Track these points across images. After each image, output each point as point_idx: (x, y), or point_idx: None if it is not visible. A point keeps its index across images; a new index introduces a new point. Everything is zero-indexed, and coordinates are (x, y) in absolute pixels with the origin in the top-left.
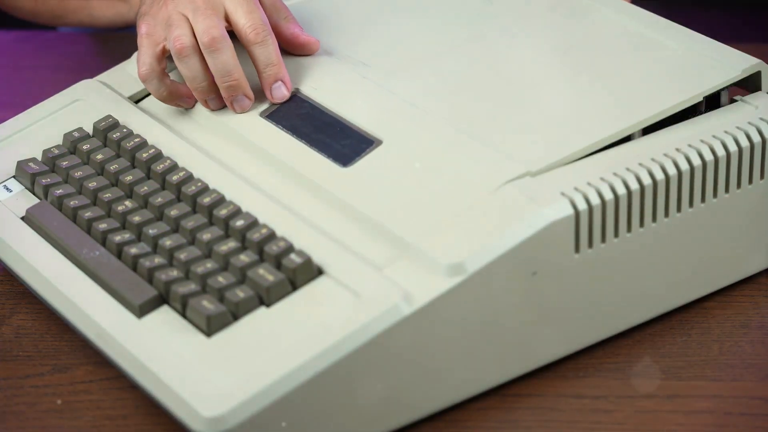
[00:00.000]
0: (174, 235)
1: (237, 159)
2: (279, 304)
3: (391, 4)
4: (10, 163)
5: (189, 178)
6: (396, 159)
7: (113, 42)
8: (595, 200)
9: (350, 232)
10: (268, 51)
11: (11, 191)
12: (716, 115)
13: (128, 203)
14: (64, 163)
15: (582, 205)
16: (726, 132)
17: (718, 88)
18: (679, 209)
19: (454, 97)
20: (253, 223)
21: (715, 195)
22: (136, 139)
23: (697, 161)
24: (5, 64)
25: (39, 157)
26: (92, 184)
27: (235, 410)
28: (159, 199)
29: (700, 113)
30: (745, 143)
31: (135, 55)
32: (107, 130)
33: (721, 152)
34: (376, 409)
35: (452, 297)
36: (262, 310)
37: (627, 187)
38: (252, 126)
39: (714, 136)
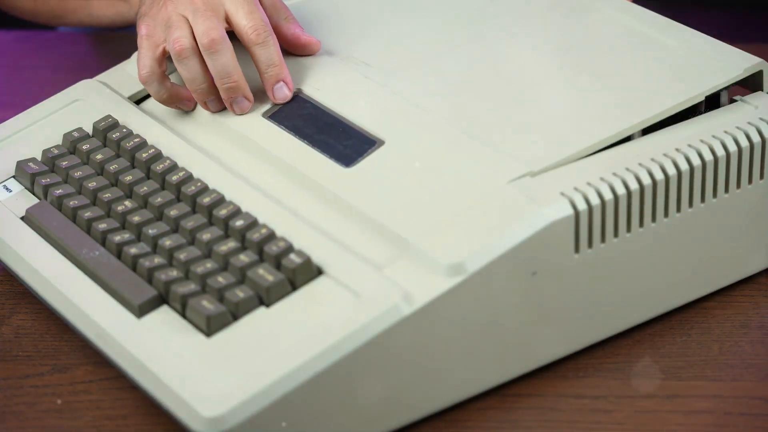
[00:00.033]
0: (174, 235)
1: (239, 159)
2: (279, 304)
3: (391, 4)
4: (10, 163)
5: (189, 178)
6: (398, 159)
7: (113, 42)
8: (595, 200)
9: (350, 232)
10: (269, 52)
11: (11, 191)
12: (716, 115)
13: (128, 203)
14: (64, 163)
15: (582, 205)
16: (726, 132)
17: (720, 88)
18: (678, 209)
19: (455, 96)
20: (253, 223)
21: (715, 195)
22: (136, 139)
23: (696, 161)
24: (5, 64)
25: (39, 157)
26: (92, 184)
27: (235, 410)
28: (159, 199)
29: (700, 113)
30: (745, 143)
31: (135, 55)
32: (107, 130)
33: (721, 152)
34: (376, 409)
35: (452, 297)
36: (261, 310)
37: (627, 187)
38: (254, 126)
39: (714, 136)
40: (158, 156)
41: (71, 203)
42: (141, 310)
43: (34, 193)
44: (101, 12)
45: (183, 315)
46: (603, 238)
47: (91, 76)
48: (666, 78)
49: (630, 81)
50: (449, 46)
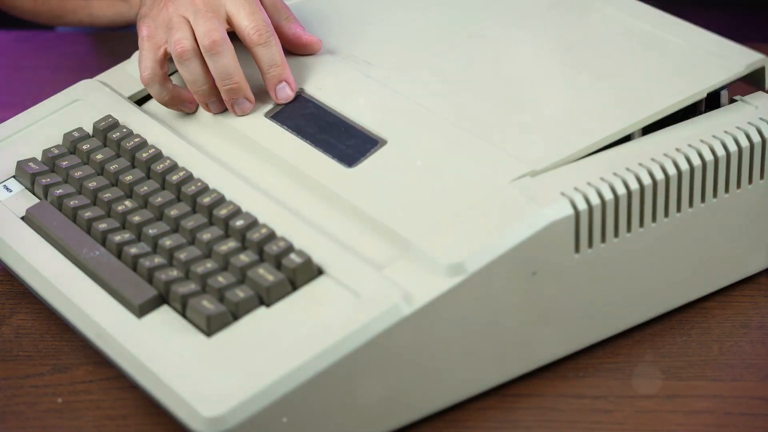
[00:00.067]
0: (174, 235)
1: (240, 159)
2: (279, 304)
3: (392, 3)
4: (10, 163)
5: (189, 178)
6: (399, 159)
7: (113, 42)
8: (595, 200)
9: (351, 231)
10: (271, 52)
11: (11, 191)
12: (716, 115)
13: (128, 203)
14: (64, 163)
15: (582, 205)
16: (726, 132)
17: (722, 85)
18: (679, 209)
19: (457, 95)
20: (253, 223)
21: (715, 195)
22: (136, 139)
23: (697, 161)
24: (5, 64)
25: (39, 157)
26: (92, 184)
27: (235, 410)
28: (159, 199)
29: (701, 113)
30: (745, 143)
31: (135, 55)
32: (107, 130)
33: (721, 152)
34: (376, 409)
35: (452, 297)
36: (262, 310)
37: (627, 187)
38: (256, 126)
39: (714, 136)
40: (158, 156)
41: (71, 203)
42: (141, 310)
43: (34, 193)
44: (101, 12)
45: (183, 315)
46: (603, 238)
47: (91, 76)
48: (667, 75)
49: (631, 79)
50: (450, 45)
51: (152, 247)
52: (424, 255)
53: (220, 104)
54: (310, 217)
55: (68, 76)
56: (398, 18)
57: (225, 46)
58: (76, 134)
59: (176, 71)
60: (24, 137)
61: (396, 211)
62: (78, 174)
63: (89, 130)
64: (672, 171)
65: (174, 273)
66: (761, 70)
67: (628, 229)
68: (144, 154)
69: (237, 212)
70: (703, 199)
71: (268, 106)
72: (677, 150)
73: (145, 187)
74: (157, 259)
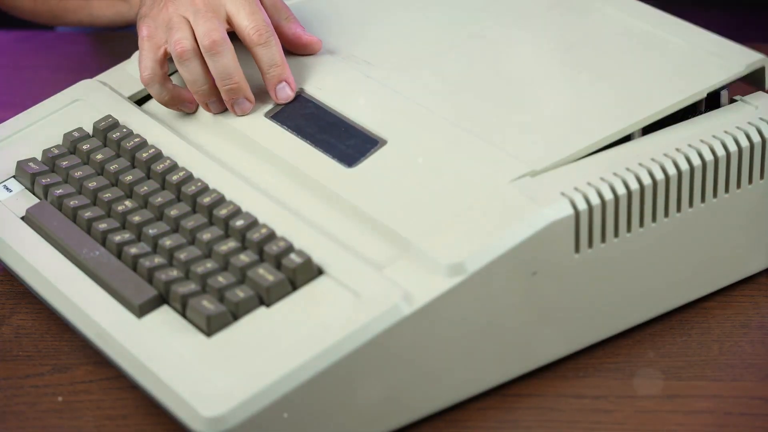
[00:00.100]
0: (174, 235)
1: (241, 159)
2: (279, 304)
3: (391, 3)
4: (10, 163)
5: (189, 178)
6: (399, 159)
7: (113, 42)
8: (595, 200)
9: (351, 231)
10: (271, 52)
11: (11, 191)
12: (716, 115)
13: (128, 203)
14: (64, 163)
15: (582, 205)
16: (726, 132)
17: (722, 85)
18: (679, 209)
19: (457, 95)
20: (253, 223)
21: (715, 195)
22: (136, 139)
23: (697, 161)
24: (5, 64)
25: (39, 157)
26: (92, 184)
27: (235, 410)
28: (159, 199)
29: (701, 113)
30: (745, 143)
31: (135, 55)
32: (107, 130)
33: (721, 152)
34: (376, 409)
35: (452, 297)
36: (262, 310)
37: (627, 187)
38: (256, 126)
39: (714, 136)
40: (158, 156)
41: (71, 203)
42: (141, 309)
43: (34, 193)
44: (101, 12)
45: (183, 315)
46: (603, 238)
47: (91, 76)
48: (667, 75)
49: (631, 79)
50: (450, 45)
51: (152, 247)
52: (424, 255)
53: (220, 104)
54: (310, 217)
55: (68, 76)
56: (398, 18)
57: (225, 46)
58: (76, 134)
59: (176, 71)
60: (24, 137)
61: (396, 211)
62: (78, 174)
63: (89, 130)
64: (672, 171)
65: (174, 273)
66: (761, 70)
67: (628, 229)
68: (144, 154)
69: (237, 212)
70: (703, 199)
71: (268, 106)
72: (677, 150)
73: (145, 187)
74: (157, 259)
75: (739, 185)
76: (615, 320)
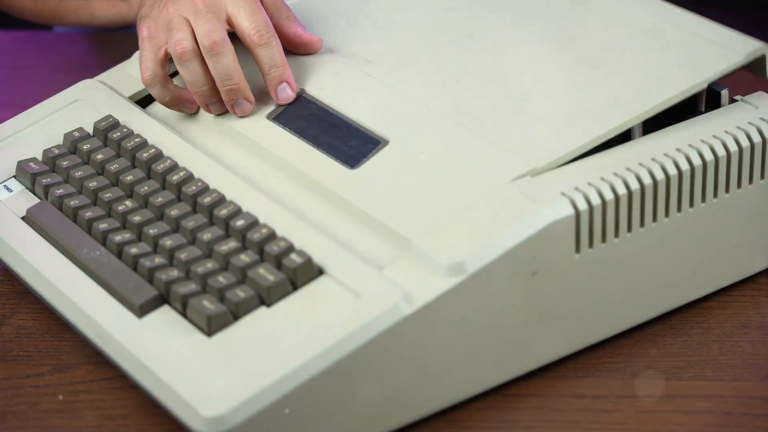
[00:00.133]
0: (174, 234)
1: (243, 161)
2: (279, 304)
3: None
4: (10, 163)
5: (189, 177)
6: (401, 159)
7: (113, 42)
8: (596, 200)
9: (351, 231)
10: (272, 53)
11: (11, 191)
12: (716, 114)
13: (128, 203)
14: (65, 163)
15: (582, 205)
16: (726, 132)
17: (723, 74)
18: (679, 209)
19: (458, 92)
20: (254, 223)
21: (715, 195)
22: (137, 139)
23: (697, 161)
24: (5, 64)
25: (39, 157)
26: (92, 184)
27: (235, 410)
28: (159, 199)
29: (701, 113)
30: (745, 143)
31: (135, 54)
32: (107, 130)
33: (721, 152)
34: (376, 409)
35: (452, 297)
36: (262, 310)
37: (627, 187)
38: (258, 128)
39: (714, 136)
40: (159, 156)
41: (72, 203)
42: (142, 309)
43: (34, 193)
44: (101, 12)
45: (184, 315)
46: (604, 238)
47: (91, 76)
48: (667, 66)
49: (631, 71)
50: (450, 40)
51: (153, 247)
52: (424, 255)
53: (220, 105)
54: (310, 217)
55: (68, 76)
56: (397, 15)
57: (225, 46)
58: (76, 134)
59: (177, 71)
60: (24, 137)
61: (397, 211)
62: (78, 174)
63: (90, 130)
64: (672, 171)
65: (174, 273)
66: (762, 59)
67: (629, 229)
68: (144, 154)
69: (237, 212)
70: (703, 199)
71: (269, 108)
72: (677, 150)
73: (146, 187)
74: (158, 259)
75: (739, 185)
76: (615, 320)
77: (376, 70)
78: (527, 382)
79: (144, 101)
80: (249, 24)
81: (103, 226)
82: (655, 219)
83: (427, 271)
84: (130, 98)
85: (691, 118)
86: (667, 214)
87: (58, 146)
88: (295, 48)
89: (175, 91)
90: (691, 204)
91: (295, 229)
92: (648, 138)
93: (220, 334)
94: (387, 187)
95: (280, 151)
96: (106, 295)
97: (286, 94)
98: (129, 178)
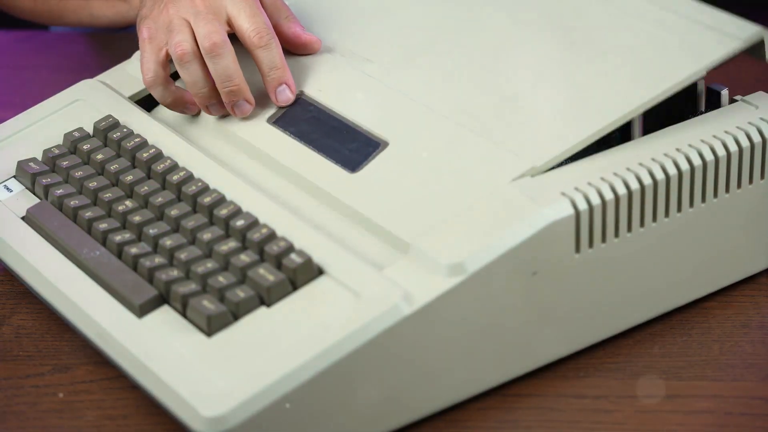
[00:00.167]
0: (174, 234)
1: (243, 165)
2: (279, 304)
3: None
4: (10, 163)
5: (189, 177)
6: (401, 161)
7: (113, 42)
8: (596, 200)
9: (351, 232)
10: (272, 54)
11: (11, 191)
12: (716, 115)
13: (128, 203)
14: (65, 163)
15: (582, 205)
16: (726, 132)
17: (722, 60)
18: (679, 209)
19: (457, 89)
20: (254, 223)
21: (715, 195)
22: (137, 139)
23: (697, 161)
24: (5, 64)
25: (39, 157)
26: (92, 184)
27: (235, 410)
28: (159, 199)
29: (701, 113)
30: (745, 143)
31: (135, 55)
32: (107, 130)
33: (721, 152)
34: (376, 409)
35: (452, 297)
36: (262, 310)
37: (627, 187)
38: (259, 133)
39: (714, 136)
40: (159, 156)
41: (72, 203)
42: (142, 309)
43: (34, 193)
44: (101, 12)
45: (184, 315)
46: (604, 238)
47: (91, 76)
48: (665, 54)
49: (630, 60)
50: (448, 36)
51: (153, 247)
52: (424, 255)
53: (220, 107)
54: (309, 217)
55: (68, 76)
56: (395, 11)
57: (225, 48)
58: (76, 134)
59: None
60: (24, 137)
61: (397, 215)
62: (78, 174)
63: (90, 130)
64: (672, 171)
65: (174, 273)
66: (761, 43)
67: (629, 229)
68: (144, 154)
69: (237, 212)
70: (703, 199)
71: (269, 111)
72: (677, 150)
73: (146, 187)
74: (158, 259)
75: (739, 185)
76: (615, 320)
77: (374, 70)
78: (527, 382)
79: (144, 102)
80: (249, 25)
81: (103, 226)
82: (655, 219)
83: (427, 271)
84: (130, 98)
85: (691, 118)
86: (667, 214)
87: (58, 146)
88: (293, 48)
89: (177, 93)
90: (691, 204)
91: (295, 229)
92: (648, 138)
93: (220, 334)
94: (387, 190)
95: (280, 155)
96: (106, 295)
97: (286, 96)
98: (129, 178)
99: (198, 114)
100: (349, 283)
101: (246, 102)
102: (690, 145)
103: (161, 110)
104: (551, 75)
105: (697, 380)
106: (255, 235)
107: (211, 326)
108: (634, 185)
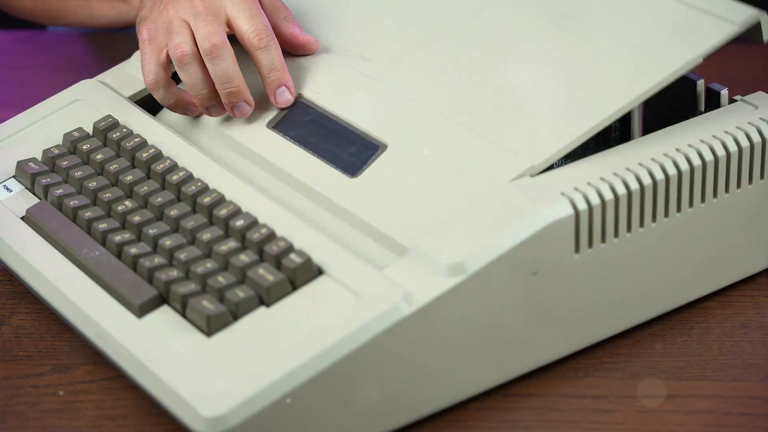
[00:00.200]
0: (174, 234)
1: (243, 169)
2: (279, 304)
3: None
4: (10, 163)
5: (189, 178)
6: (400, 163)
7: (113, 42)
8: (595, 200)
9: (351, 235)
10: (271, 56)
11: (11, 191)
12: (716, 114)
13: (128, 203)
14: (64, 163)
15: (582, 205)
16: (726, 132)
17: (720, 45)
18: (679, 209)
19: (455, 87)
20: (253, 223)
21: (715, 195)
22: (136, 139)
23: (697, 161)
24: (5, 64)
25: (39, 157)
26: (92, 184)
27: (235, 410)
28: (159, 199)
29: (701, 113)
30: (745, 143)
31: (135, 55)
32: (107, 130)
33: (721, 152)
34: (376, 409)
35: (452, 297)
36: (262, 310)
37: (627, 187)
38: (258, 138)
39: (714, 136)
40: (158, 156)
41: (71, 203)
42: (141, 309)
43: (34, 193)
44: (101, 12)
45: (183, 315)
46: (603, 238)
47: (91, 76)
48: (661, 41)
49: (626, 48)
50: (444, 33)
51: (152, 247)
52: (424, 255)
53: (220, 108)
54: (309, 218)
55: (68, 76)
56: (393, 10)
57: (225, 49)
58: (76, 134)
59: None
60: (24, 137)
61: (398, 218)
62: (78, 174)
63: (89, 130)
64: (672, 171)
65: (174, 273)
66: (757, 26)
67: (628, 229)
68: (144, 154)
69: (237, 212)
70: (703, 199)
71: (269, 115)
72: (677, 150)
73: (145, 187)
74: (157, 259)
75: (739, 185)
76: (615, 320)
77: (372, 69)
78: (527, 382)
79: (144, 102)
80: (249, 27)
81: (102, 226)
82: (654, 219)
83: (427, 271)
84: (130, 98)
85: (690, 118)
86: (666, 214)
87: (57, 146)
88: (291, 49)
89: (179, 94)
90: (691, 204)
91: (295, 229)
92: (648, 138)
93: (219, 334)
94: (387, 194)
95: (280, 160)
96: (105, 295)
97: (285, 97)
98: (129, 178)
99: (200, 116)
100: (349, 283)
101: (245, 103)
102: (689, 145)
103: (166, 114)
104: (547, 71)
105: (697, 380)
106: (254, 235)
107: (210, 326)
108: (634, 185)
